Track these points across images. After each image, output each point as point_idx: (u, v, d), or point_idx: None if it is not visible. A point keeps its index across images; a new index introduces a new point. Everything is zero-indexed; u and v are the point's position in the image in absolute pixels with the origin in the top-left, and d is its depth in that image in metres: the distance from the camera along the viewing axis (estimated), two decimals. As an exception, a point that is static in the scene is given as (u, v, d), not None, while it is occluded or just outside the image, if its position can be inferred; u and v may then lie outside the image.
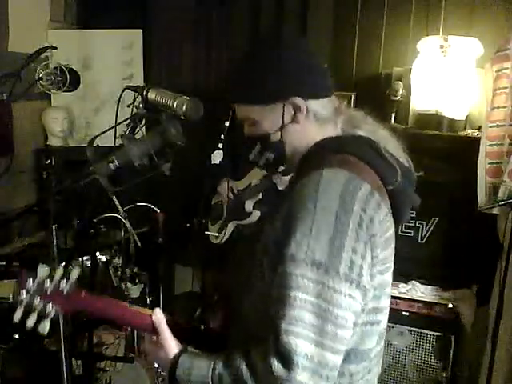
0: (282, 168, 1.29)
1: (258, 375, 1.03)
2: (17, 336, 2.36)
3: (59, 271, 1.22)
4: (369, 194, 1.09)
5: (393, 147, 1.22)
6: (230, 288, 1.27)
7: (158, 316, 1.22)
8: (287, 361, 0.99)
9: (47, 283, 1.20)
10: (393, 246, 1.19)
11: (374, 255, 1.08)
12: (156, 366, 2.18)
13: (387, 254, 1.14)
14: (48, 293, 1.20)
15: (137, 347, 2.64)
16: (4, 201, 3.06)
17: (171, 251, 2.92)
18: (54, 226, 1.99)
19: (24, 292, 1.19)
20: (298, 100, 1.19)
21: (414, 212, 2.74)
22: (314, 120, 1.22)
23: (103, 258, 2.72)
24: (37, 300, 1.19)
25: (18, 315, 1.18)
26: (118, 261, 2.68)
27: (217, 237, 2.99)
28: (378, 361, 1.23)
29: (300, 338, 1.00)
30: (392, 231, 1.18)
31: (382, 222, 1.11)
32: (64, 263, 1.25)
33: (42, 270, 1.21)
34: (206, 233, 3.02)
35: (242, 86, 1.24)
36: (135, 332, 2.66)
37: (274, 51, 1.23)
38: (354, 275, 1.03)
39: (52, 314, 1.18)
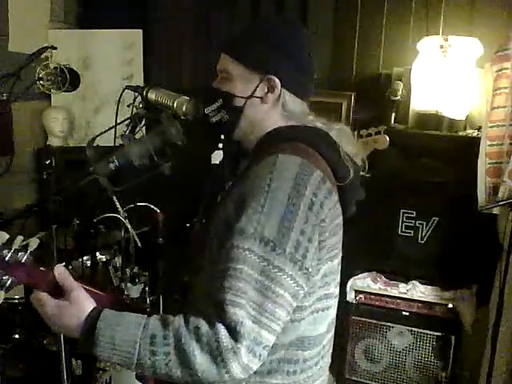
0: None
1: (201, 340, 0.98)
2: (17, 336, 2.36)
3: (18, 239, 1.14)
4: (321, 180, 1.11)
5: (346, 142, 1.25)
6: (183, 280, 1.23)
7: (62, 270, 1.11)
8: (233, 331, 0.97)
9: (5, 251, 1.12)
10: (341, 233, 1.22)
11: (322, 239, 1.10)
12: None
13: (335, 241, 1.17)
14: (6, 260, 1.12)
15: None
16: (4, 201, 3.05)
17: (171, 251, 2.92)
18: (54, 226, 1.99)
19: None
20: (277, 82, 1.21)
21: (414, 212, 2.76)
22: (281, 109, 1.24)
23: (103, 258, 2.73)
24: None
25: None
26: (117, 261, 2.68)
27: None
28: (329, 349, 1.26)
29: (243, 311, 0.99)
30: (340, 219, 1.21)
31: (332, 209, 1.13)
32: (22, 236, 1.17)
33: (1, 238, 1.13)
34: None
35: (240, 41, 1.25)
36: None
37: (287, 29, 1.26)
38: (298, 256, 1.04)
39: (8, 284, 1.12)
